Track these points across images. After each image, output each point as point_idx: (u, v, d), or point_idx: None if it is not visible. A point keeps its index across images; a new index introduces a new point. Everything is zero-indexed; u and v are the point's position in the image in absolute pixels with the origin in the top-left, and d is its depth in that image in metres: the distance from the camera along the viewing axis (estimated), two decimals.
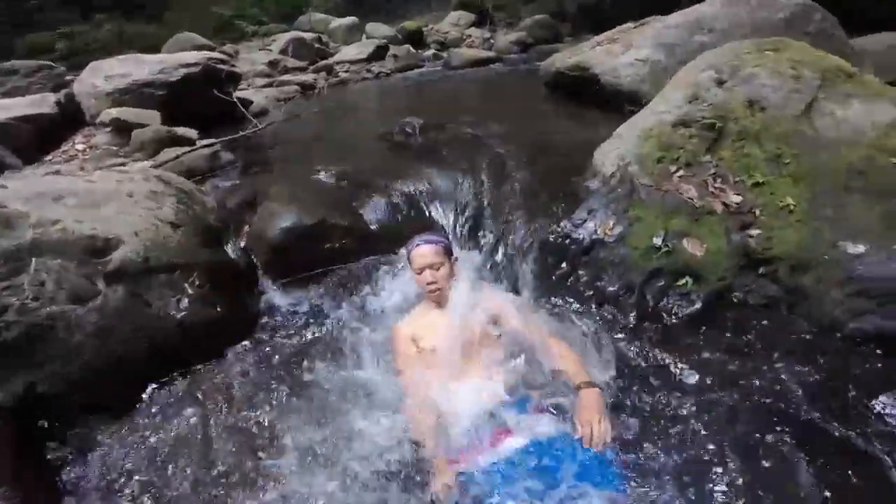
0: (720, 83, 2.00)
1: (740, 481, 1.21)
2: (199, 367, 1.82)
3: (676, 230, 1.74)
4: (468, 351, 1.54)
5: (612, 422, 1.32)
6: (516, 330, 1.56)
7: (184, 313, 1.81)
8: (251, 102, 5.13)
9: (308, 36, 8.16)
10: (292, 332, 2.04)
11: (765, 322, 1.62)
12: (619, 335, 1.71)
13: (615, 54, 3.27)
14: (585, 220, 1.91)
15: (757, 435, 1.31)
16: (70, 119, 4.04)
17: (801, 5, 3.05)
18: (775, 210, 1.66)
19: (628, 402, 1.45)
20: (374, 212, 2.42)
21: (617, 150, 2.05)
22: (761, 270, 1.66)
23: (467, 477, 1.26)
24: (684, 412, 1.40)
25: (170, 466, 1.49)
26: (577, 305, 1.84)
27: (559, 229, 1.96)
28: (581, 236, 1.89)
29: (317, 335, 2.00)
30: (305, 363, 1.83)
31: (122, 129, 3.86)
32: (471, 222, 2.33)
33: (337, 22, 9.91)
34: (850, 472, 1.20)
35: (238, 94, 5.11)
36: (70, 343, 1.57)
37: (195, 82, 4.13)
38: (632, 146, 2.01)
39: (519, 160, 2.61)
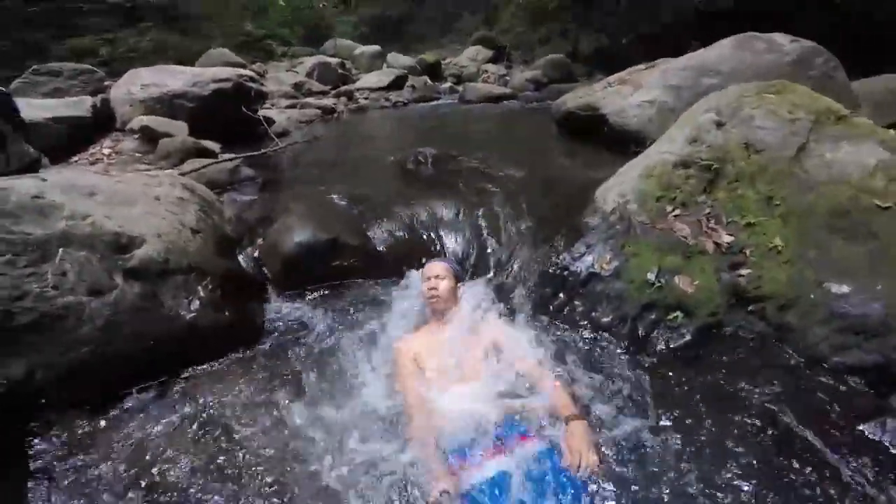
0: (719, 125, 2.10)
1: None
2: (201, 369, 1.87)
3: (670, 267, 1.81)
4: (467, 372, 1.61)
5: (598, 452, 1.36)
6: (513, 358, 1.64)
7: (194, 315, 1.89)
8: (273, 122, 5.40)
9: (333, 61, 8.60)
10: (295, 342, 2.09)
11: (752, 355, 1.67)
12: (612, 363, 1.76)
13: (624, 95, 3.43)
14: (584, 254, 1.99)
15: (740, 461, 1.35)
16: (102, 124, 4.24)
17: (807, 49, 3.13)
18: (765, 251, 1.73)
19: (615, 428, 1.49)
20: (383, 234, 2.54)
21: (618, 187, 2.15)
22: (750, 308, 1.71)
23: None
24: (668, 440, 1.44)
25: (157, 465, 1.50)
26: (573, 334, 1.90)
27: (559, 261, 2.05)
28: (579, 269, 1.97)
29: (318, 347, 2.05)
30: (305, 373, 1.88)
31: (150, 138, 4.07)
32: (475, 251, 2.42)
33: (361, 49, 10.41)
34: (832, 496, 1.24)
35: (262, 112, 5.40)
36: (77, 333, 1.62)
37: (225, 98, 4.35)
38: (633, 184, 2.11)
39: (525, 195, 2.74)
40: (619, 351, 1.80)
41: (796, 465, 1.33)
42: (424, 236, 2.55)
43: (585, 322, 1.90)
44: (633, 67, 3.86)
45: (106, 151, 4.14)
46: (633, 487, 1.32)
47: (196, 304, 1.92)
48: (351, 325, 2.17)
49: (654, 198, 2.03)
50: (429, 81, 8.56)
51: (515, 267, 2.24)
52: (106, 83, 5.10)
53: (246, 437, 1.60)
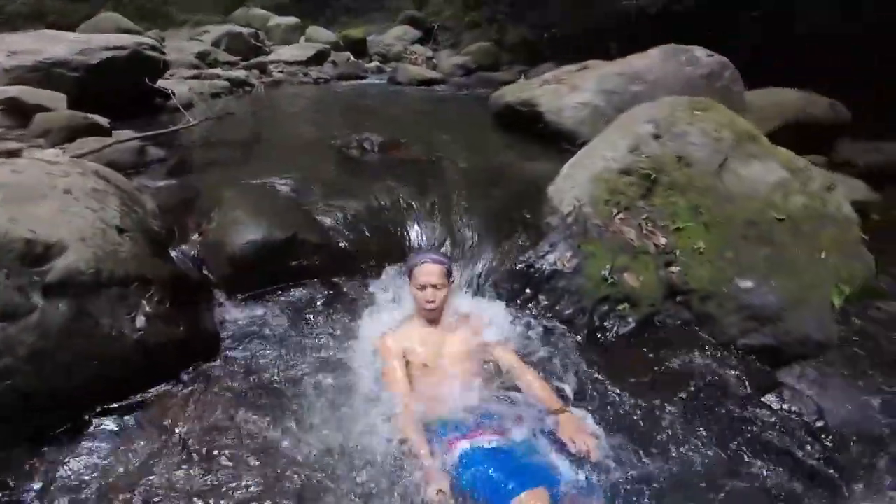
0: (657, 137, 2.39)
1: (641, 473, 1.48)
2: (155, 392, 1.68)
3: (620, 265, 2.07)
4: (456, 368, 1.67)
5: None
6: (499, 354, 1.75)
7: (141, 332, 1.65)
8: (173, 94, 4.70)
9: (245, 31, 7.65)
10: (256, 351, 1.96)
11: (680, 339, 2.01)
12: (571, 349, 1.98)
13: (561, 95, 3.68)
14: (547, 253, 2.16)
15: (665, 429, 1.64)
16: None
17: (719, 63, 3.66)
18: (691, 252, 2.07)
19: (575, 402, 1.73)
20: (342, 229, 2.42)
21: (572, 190, 2.35)
22: (678, 299, 2.05)
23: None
24: (616, 410, 1.72)
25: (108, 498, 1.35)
26: (539, 325, 2.07)
27: (525, 259, 2.20)
28: (543, 266, 2.14)
29: (283, 355, 1.94)
30: (271, 385, 1.78)
31: (18, 111, 3.29)
32: (439, 247, 2.45)
33: (276, 20, 9.42)
34: (741, 454, 1.57)
35: (161, 83, 4.64)
36: None
37: (119, 67, 3.73)
38: (585, 188, 2.32)
39: (478, 187, 2.81)
40: (578, 339, 2.03)
41: (713, 430, 1.64)
42: (384, 231, 2.49)
43: (550, 315, 2.09)
44: (566, 67, 4.14)
45: None
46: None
47: (142, 319, 1.67)
48: (314, 329, 2.08)
49: (603, 201, 2.27)
50: (352, 58, 8.11)
51: (481, 262, 2.34)
52: None
53: (215, 462, 1.48)
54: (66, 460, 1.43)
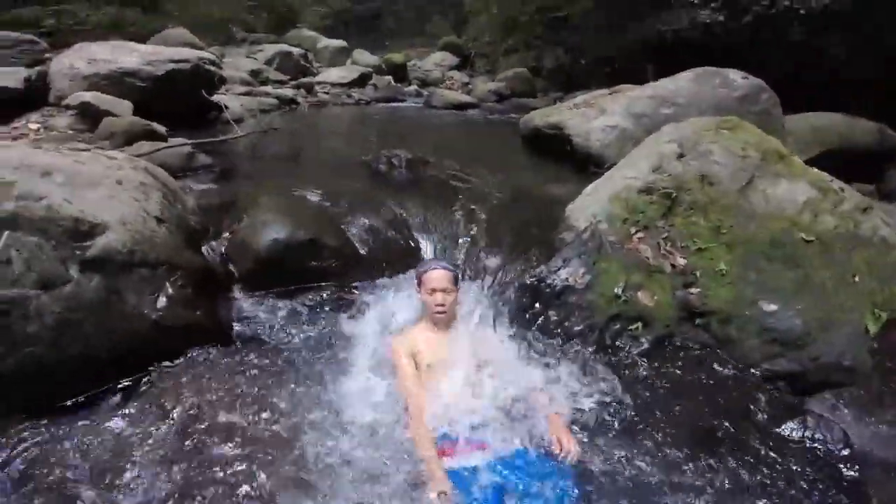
0: (680, 156, 2.36)
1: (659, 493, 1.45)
2: (165, 370, 1.76)
3: (634, 283, 2.02)
4: (459, 371, 1.68)
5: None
6: (500, 360, 1.76)
7: (160, 314, 1.76)
8: (227, 108, 5.10)
9: (296, 51, 8.26)
10: (268, 344, 2.04)
11: (697, 362, 1.93)
12: (580, 367, 1.91)
13: (589, 118, 3.70)
14: (560, 268, 2.15)
15: (680, 454, 1.59)
16: (34, 98, 3.80)
17: (755, 85, 3.56)
18: (711, 273, 2.00)
19: (583, 421, 1.69)
20: (362, 236, 2.52)
21: (590, 207, 2.35)
22: (697, 321, 1.97)
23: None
24: (626, 434, 1.67)
25: (115, 471, 1.41)
26: (548, 340, 2.04)
27: (536, 274, 2.19)
28: (555, 282, 2.13)
29: (294, 351, 2.01)
30: (280, 375, 1.84)
31: (89, 115, 3.70)
32: (455, 258, 2.50)
33: (325, 42, 10.10)
34: (758, 480, 1.50)
35: (216, 97, 5.07)
36: (22, 333, 1.48)
37: (181, 80, 4.07)
38: (603, 206, 2.31)
39: (499, 206, 2.85)
40: (587, 357, 1.97)
41: (731, 458, 1.57)
42: (403, 241, 2.58)
43: (559, 330, 2.06)
44: (597, 92, 4.18)
45: (33, 127, 3.68)
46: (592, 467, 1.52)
47: (163, 301, 1.79)
48: (329, 329, 2.15)
49: (621, 220, 2.25)
50: (393, 82, 8.51)
51: (494, 276, 2.35)
52: (47, 55, 4.54)
53: (219, 439, 1.53)
54: (71, 430, 1.51)
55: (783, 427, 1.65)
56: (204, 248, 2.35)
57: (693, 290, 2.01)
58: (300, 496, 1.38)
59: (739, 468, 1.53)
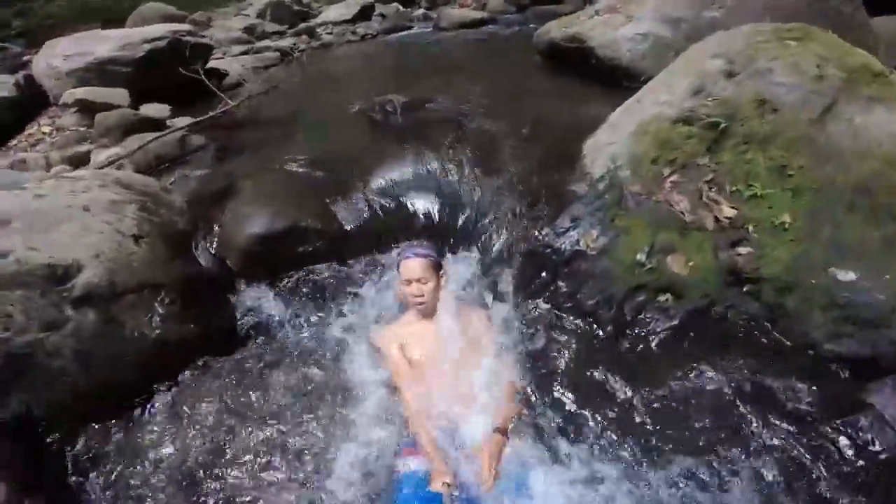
0: (730, 75, 1.78)
1: (699, 490, 1.31)
2: (178, 382, 1.82)
3: (663, 245, 1.63)
4: (443, 364, 1.60)
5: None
6: (481, 352, 1.65)
7: (158, 331, 1.79)
8: (226, 73, 4.81)
9: None
10: (269, 340, 2.01)
11: (740, 338, 1.58)
12: (593, 349, 1.68)
13: (615, 26, 2.98)
14: (569, 229, 1.79)
15: (718, 447, 1.38)
16: (35, 100, 3.82)
17: None
18: (769, 227, 1.54)
19: (594, 415, 1.51)
20: (349, 210, 2.30)
21: (609, 147, 1.89)
22: (745, 288, 1.57)
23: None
24: (647, 426, 1.47)
25: (164, 479, 1.53)
26: (555, 316, 1.79)
27: (542, 237, 1.86)
28: (563, 246, 1.79)
29: (292, 343, 1.98)
30: (283, 373, 1.83)
31: (89, 110, 3.63)
32: (453, 223, 2.22)
33: None
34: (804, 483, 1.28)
35: (213, 63, 4.78)
36: (53, 368, 1.58)
37: (163, 57, 3.85)
38: (625, 144, 1.85)
39: (507, 147, 2.45)
40: (602, 336, 1.70)
41: (774, 456, 1.34)
42: (394, 209, 2.32)
43: (570, 304, 1.77)
44: None
45: (46, 130, 3.73)
46: (603, 468, 1.38)
47: (157, 320, 1.81)
48: (323, 314, 2.08)
49: (650, 160, 1.79)
50: (401, 8, 7.60)
51: (496, 242, 2.05)
52: (26, 58, 4.49)
53: (234, 446, 1.60)
54: (106, 445, 1.65)
55: (838, 422, 1.33)
56: (198, 247, 2.28)
57: (742, 249, 1.58)
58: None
59: (780, 468, 1.31)
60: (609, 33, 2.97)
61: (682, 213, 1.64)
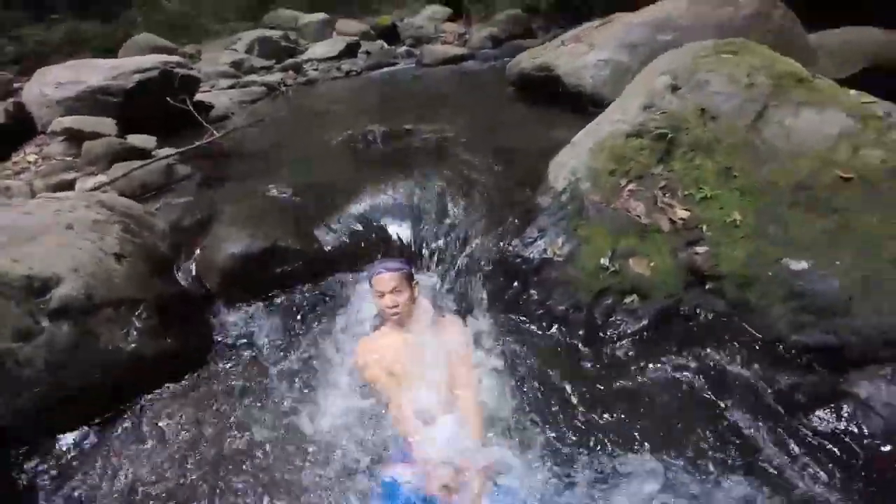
0: (675, 89, 1.94)
1: (673, 487, 1.30)
2: (151, 398, 1.80)
3: (624, 249, 1.71)
4: (418, 376, 1.59)
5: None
6: (453, 365, 1.63)
7: (134, 346, 1.79)
8: (212, 106, 4.95)
9: (275, 34, 7.91)
10: (246, 359, 2.00)
11: (710, 335, 1.62)
12: (565, 354, 1.71)
13: (578, 54, 3.20)
14: (536, 239, 1.87)
15: (694, 442, 1.39)
16: (22, 130, 3.84)
17: (764, 2, 3.00)
18: (722, 226, 1.63)
19: (570, 418, 1.51)
20: (328, 232, 2.35)
21: (570, 162, 2.00)
22: (708, 286, 1.64)
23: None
24: (624, 425, 1.47)
25: (128, 494, 1.49)
26: (529, 324, 1.83)
27: (511, 248, 1.92)
28: (532, 255, 1.85)
29: (270, 362, 1.97)
30: (259, 391, 1.83)
31: (76, 139, 3.69)
32: (426, 241, 2.27)
33: (306, 18, 9.59)
34: (779, 476, 1.28)
35: (200, 96, 4.93)
36: (22, 377, 1.58)
37: (153, 88, 3.96)
38: (584, 159, 1.96)
39: (480, 169, 2.57)
40: (573, 341, 1.74)
41: (754, 449, 1.34)
42: (372, 229, 2.38)
43: (541, 311, 1.82)
44: (588, 24, 3.60)
45: (31, 159, 3.75)
46: (581, 471, 1.37)
47: (134, 334, 1.82)
48: (300, 333, 2.07)
49: (607, 172, 1.89)
50: (385, 46, 8.00)
51: (469, 256, 2.11)
52: (16, 85, 4.60)
53: (203, 465, 1.57)
54: (73, 459, 1.61)
55: (814, 414, 1.36)
56: (179, 270, 2.31)
57: (699, 248, 1.66)
58: None
59: (758, 463, 1.31)
60: (574, 62, 3.18)
61: (639, 217, 1.73)
